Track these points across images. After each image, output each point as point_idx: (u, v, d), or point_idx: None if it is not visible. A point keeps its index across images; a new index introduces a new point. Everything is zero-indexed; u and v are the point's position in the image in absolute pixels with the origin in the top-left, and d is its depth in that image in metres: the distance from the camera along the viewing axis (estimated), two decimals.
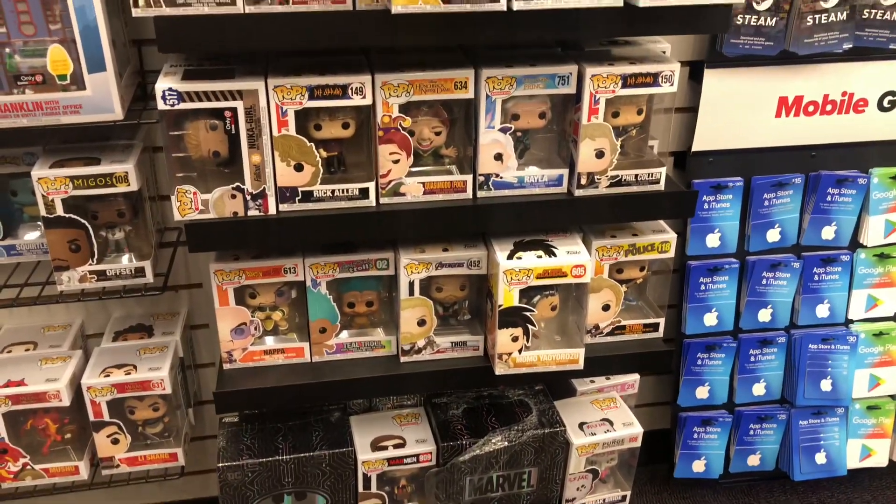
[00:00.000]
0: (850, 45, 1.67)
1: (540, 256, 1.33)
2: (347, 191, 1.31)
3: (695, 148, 1.75)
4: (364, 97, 1.25)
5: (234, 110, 1.23)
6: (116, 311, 1.70)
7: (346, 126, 1.30)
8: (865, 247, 1.90)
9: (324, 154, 1.29)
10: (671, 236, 1.45)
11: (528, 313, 1.35)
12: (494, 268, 1.34)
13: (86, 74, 1.22)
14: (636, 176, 1.36)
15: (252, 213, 1.30)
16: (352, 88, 1.25)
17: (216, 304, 1.38)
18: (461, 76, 1.26)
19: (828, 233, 1.86)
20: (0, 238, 1.47)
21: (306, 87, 1.23)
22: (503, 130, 1.31)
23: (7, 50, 1.21)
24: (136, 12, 1.16)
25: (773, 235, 1.84)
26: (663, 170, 1.37)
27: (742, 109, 1.73)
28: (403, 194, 1.33)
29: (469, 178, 1.33)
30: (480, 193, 1.34)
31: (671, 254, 1.46)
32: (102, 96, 1.23)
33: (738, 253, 1.85)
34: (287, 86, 1.23)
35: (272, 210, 1.30)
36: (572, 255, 1.33)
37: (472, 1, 1.12)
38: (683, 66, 1.71)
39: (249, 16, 1.17)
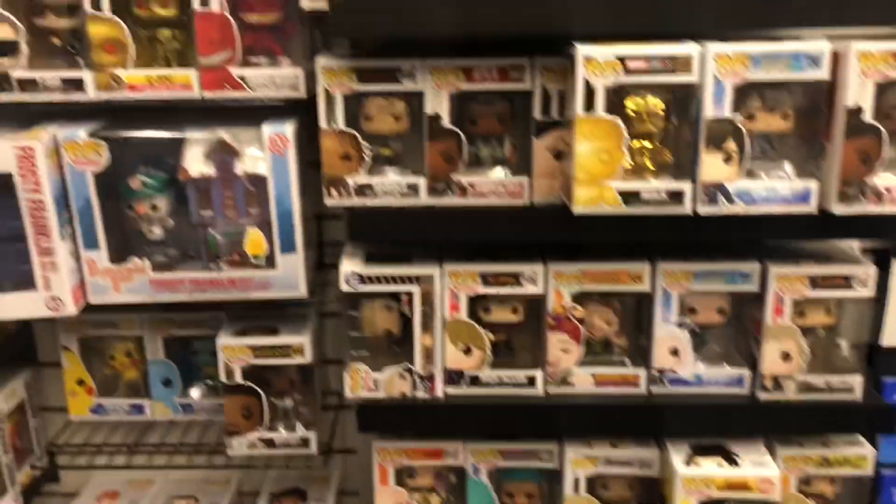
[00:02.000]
0: None
1: (721, 465, 1.23)
2: (515, 378, 1.29)
3: (885, 342, 1.61)
4: (536, 286, 1.26)
5: (410, 293, 1.26)
6: (273, 470, 1.73)
7: (515, 311, 1.30)
8: None
9: (492, 337, 1.29)
10: (868, 451, 1.31)
11: None
12: (670, 473, 1.26)
13: (278, 255, 1.30)
14: (827, 383, 1.25)
15: (419, 394, 1.30)
16: (524, 277, 1.25)
17: (376, 483, 1.37)
18: (637, 270, 1.24)
19: None
20: (179, 395, 1.56)
21: (480, 274, 1.26)
22: (680, 325, 1.26)
23: (210, 231, 1.31)
24: (328, 201, 1.24)
25: None
26: (859, 378, 1.26)
27: None
28: (572, 384, 1.29)
29: (642, 371, 1.28)
30: (654, 389, 1.28)
31: (868, 471, 1.31)
32: (291, 275, 1.30)
33: None
34: (462, 272, 1.26)
35: (439, 392, 1.30)
36: (759, 467, 1.22)
37: (654, 204, 1.12)
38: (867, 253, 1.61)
39: (431, 208, 1.23)
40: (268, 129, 1.23)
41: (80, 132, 1.23)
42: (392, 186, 1.23)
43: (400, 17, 1.08)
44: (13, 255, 1.24)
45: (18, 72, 1.23)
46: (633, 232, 1.15)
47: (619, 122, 1.09)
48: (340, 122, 1.21)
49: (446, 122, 1.20)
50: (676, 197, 1.11)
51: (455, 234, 1.23)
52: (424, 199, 1.23)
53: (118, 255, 1.30)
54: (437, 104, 1.19)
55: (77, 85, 1.24)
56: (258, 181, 1.27)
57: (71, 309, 1.27)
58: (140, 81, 1.24)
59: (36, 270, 1.24)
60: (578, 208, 1.12)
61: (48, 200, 1.21)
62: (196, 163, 1.28)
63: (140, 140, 1.28)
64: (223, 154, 1.28)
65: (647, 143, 1.14)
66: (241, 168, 1.27)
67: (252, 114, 1.29)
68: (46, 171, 1.20)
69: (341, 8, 1.08)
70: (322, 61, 1.18)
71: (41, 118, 1.29)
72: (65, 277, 1.25)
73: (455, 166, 1.22)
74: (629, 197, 1.11)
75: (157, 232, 1.34)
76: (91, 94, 1.25)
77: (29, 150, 1.18)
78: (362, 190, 1.23)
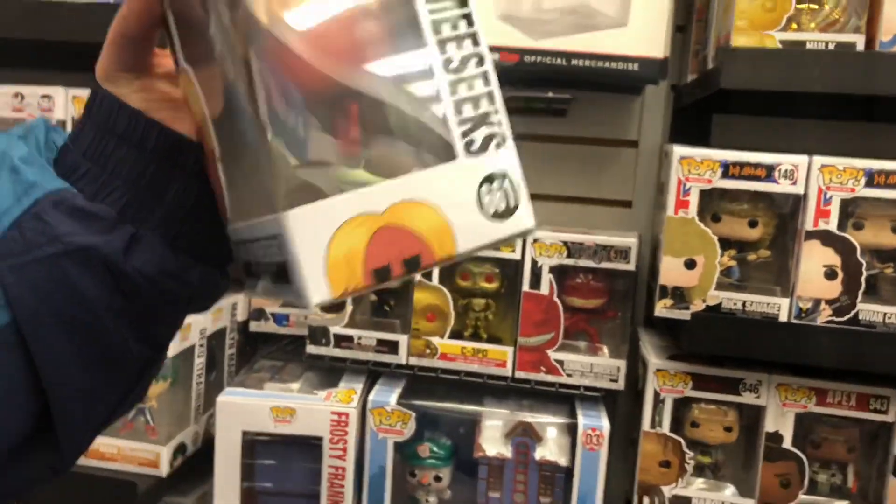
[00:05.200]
0: None
1: None
2: None
3: None
4: None
5: None
6: None
7: None
8: None
9: None
10: None
11: None
12: None
13: None
14: None
15: None
16: None
17: None
18: None
19: None
20: None
21: None
22: None
23: None
24: None
25: None
26: None
27: None
28: None
29: None
30: None
31: None
32: None
33: None
34: None
35: None
36: None
37: None
38: None
39: None
40: (583, 422, 1.15)
41: (391, 399, 1.20)
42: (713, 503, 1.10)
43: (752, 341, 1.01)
44: None
45: (337, 328, 1.25)
46: None
47: None
48: (666, 427, 1.12)
49: (788, 443, 1.08)
50: None
51: None
52: None
53: None
54: (780, 423, 1.08)
55: (392, 348, 1.23)
56: (556, 471, 1.18)
57: None
58: (454, 351, 1.22)
59: None
60: None
61: (350, 468, 1.17)
62: (493, 441, 1.21)
63: (440, 409, 1.23)
64: (523, 437, 1.21)
65: None
66: (540, 454, 1.19)
67: (555, 396, 1.23)
68: (354, 436, 1.17)
69: (698, 322, 1.03)
70: (655, 362, 1.11)
71: (340, 372, 1.29)
72: None
73: (793, 494, 1.08)
74: None
75: (432, 502, 1.27)
76: (402, 358, 1.23)
77: (344, 416, 1.16)
78: (678, 503, 1.11)
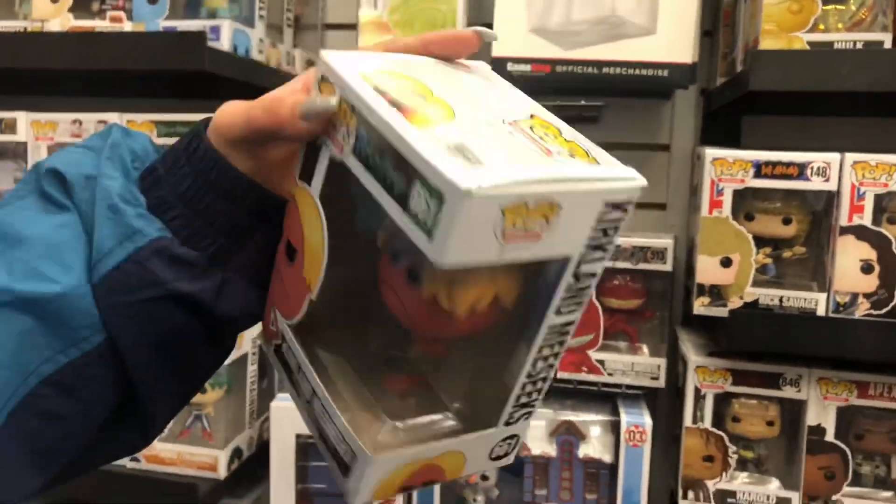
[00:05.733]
0: None
1: None
2: None
3: None
4: None
5: None
6: None
7: None
8: None
9: None
10: None
11: None
12: None
13: None
14: None
15: None
16: None
17: None
18: None
19: None
20: None
21: None
22: None
23: None
24: None
25: None
26: None
27: None
28: None
29: None
30: None
31: None
32: None
33: None
34: None
35: None
36: None
37: None
38: None
39: None
40: (626, 419, 1.18)
41: None
42: (759, 497, 1.12)
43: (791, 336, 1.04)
44: None
45: None
46: None
47: None
48: (708, 422, 1.14)
49: (830, 436, 1.10)
50: None
51: None
52: None
53: None
54: (822, 416, 1.10)
55: None
56: (600, 467, 1.21)
57: None
58: None
59: None
60: None
61: None
62: (538, 440, 1.24)
63: None
64: (567, 435, 1.24)
65: None
66: (584, 452, 1.22)
67: (597, 395, 1.26)
68: None
69: (737, 319, 1.05)
70: (695, 359, 1.14)
71: None
72: None
73: (838, 486, 1.10)
74: None
75: (479, 501, 1.30)
76: None
77: None
78: (723, 497, 1.14)
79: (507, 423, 0.45)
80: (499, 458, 0.48)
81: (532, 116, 0.43)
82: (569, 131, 0.43)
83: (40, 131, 1.21)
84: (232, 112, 0.45)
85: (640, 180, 0.39)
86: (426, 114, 0.39)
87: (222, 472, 1.21)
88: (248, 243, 0.47)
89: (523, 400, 0.45)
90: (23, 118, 1.22)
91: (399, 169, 0.36)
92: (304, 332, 0.47)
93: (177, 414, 0.53)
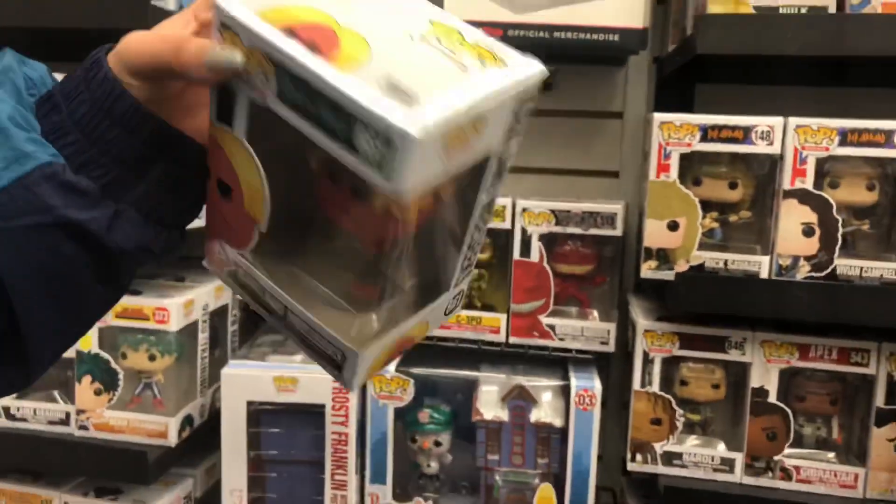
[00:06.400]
0: None
1: None
2: None
3: None
4: None
5: None
6: None
7: None
8: None
9: None
10: None
11: None
12: None
13: None
14: None
15: None
16: None
17: None
18: None
19: None
20: None
21: None
22: None
23: (497, 477, 1.26)
24: (631, 466, 1.17)
25: None
26: None
27: None
28: None
29: None
30: None
31: None
32: None
33: None
34: None
35: None
36: None
37: None
38: None
39: (747, 489, 1.13)
40: (575, 383, 1.19)
41: (390, 366, 1.24)
42: (704, 459, 1.14)
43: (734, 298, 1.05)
44: (311, 484, 1.24)
45: None
46: None
47: None
48: (656, 386, 1.16)
49: (773, 397, 1.12)
50: None
51: None
52: (740, 477, 1.13)
53: (401, 491, 1.27)
54: (765, 378, 1.12)
55: None
56: (551, 432, 1.23)
57: None
58: (450, 320, 1.26)
59: (326, 502, 1.23)
60: None
61: (352, 434, 1.21)
62: (490, 405, 1.25)
63: (438, 376, 1.28)
64: (519, 400, 1.25)
65: None
66: (535, 416, 1.23)
67: (549, 361, 1.27)
68: (355, 403, 1.21)
69: (683, 282, 1.07)
70: (644, 323, 1.15)
71: None
72: None
73: (780, 447, 1.12)
74: None
75: (433, 467, 1.31)
76: None
77: None
78: (670, 458, 1.16)
79: (455, 285, 0.54)
80: (451, 311, 0.57)
81: (432, 23, 0.46)
82: (470, 33, 0.46)
83: None
84: (139, 41, 0.45)
85: (543, 70, 0.44)
86: (346, 52, 0.41)
87: (173, 440, 1.21)
88: (145, 176, 0.47)
89: (465, 264, 0.53)
90: None
91: (337, 114, 0.39)
92: (257, 255, 0.50)
93: (61, 355, 0.51)
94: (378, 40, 0.42)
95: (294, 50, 0.40)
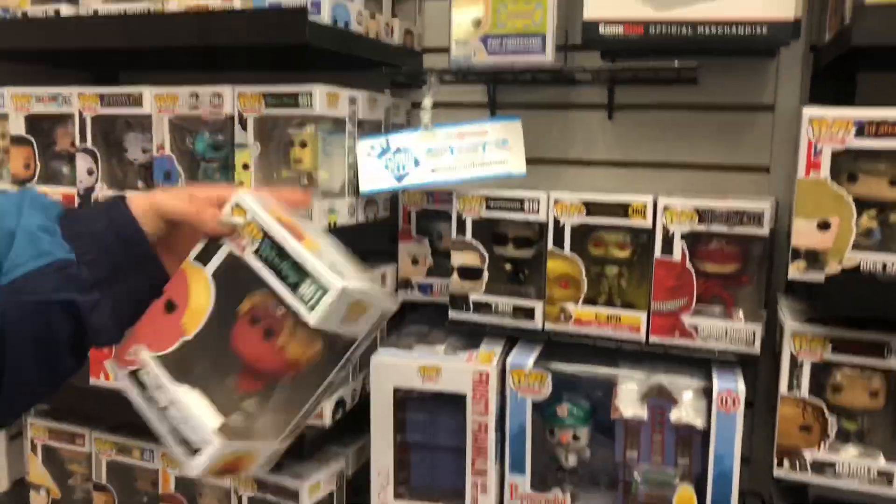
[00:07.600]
0: None
1: None
2: None
3: None
4: None
5: None
6: None
7: None
8: None
9: None
10: None
11: None
12: None
13: None
14: None
15: None
16: None
17: None
18: None
19: None
20: None
21: None
22: None
23: (635, 475, 1.27)
24: (778, 472, 1.14)
25: None
26: None
27: None
28: None
29: None
30: None
31: None
32: None
33: None
34: None
35: None
36: None
37: None
38: None
39: None
40: (718, 385, 1.17)
41: (528, 361, 1.27)
42: (860, 470, 1.09)
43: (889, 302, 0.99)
44: (453, 470, 1.30)
45: (476, 295, 1.33)
46: None
47: None
48: (804, 391, 1.11)
49: None
50: None
51: None
52: None
53: (539, 482, 1.30)
54: None
55: (528, 314, 1.30)
56: (692, 432, 1.21)
57: None
58: (588, 317, 1.27)
59: (468, 489, 1.28)
60: None
61: (491, 424, 1.26)
62: (629, 403, 1.25)
63: (577, 372, 1.29)
64: (659, 399, 1.24)
65: None
66: (675, 416, 1.22)
67: (691, 361, 1.25)
68: (494, 395, 1.26)
69: (833, 284, 1.02)
70: (792, 325, 1.11)
71: (480, 336, 1.37)
72: (492, 498, 1.28)
73: None
74: None
75: (571, 461, 1.33)
76: (538, 323, 1.30)
77: (485, 375, 1.25)
78: (821, 467, 1.11)
79: (281, 441, 0.74)
80: (270, 461, 0.75)
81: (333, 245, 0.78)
82: (330, 244, 0.78)
83: (163, 104, 1.31)
84: (173, 198, 0.74)
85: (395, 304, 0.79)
86: (308, 242, 0.72)
87: (327, 421, 1.30)
88: (125, 281, 0.71)
89: (293, 428, 0.74)
90: (147, 93, 1.32)
91: (296, 270, 0.70)
92: (166, 362, 0.72)
93: (28, 409, 0.75)
94: (321, 242, 0.74)
95: (281, 230, 0.72)
